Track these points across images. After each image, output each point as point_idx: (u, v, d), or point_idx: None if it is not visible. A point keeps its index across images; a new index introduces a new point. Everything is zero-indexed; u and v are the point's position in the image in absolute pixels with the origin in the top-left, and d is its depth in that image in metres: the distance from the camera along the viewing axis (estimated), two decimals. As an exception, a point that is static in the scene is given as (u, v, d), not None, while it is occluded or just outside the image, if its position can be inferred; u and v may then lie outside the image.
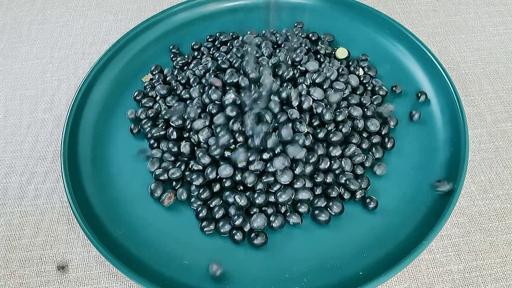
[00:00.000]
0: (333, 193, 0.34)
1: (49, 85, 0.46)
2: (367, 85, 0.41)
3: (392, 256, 0.31)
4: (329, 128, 0.36)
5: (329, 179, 0.35)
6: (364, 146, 0.37)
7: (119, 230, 0.33)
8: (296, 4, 0.48)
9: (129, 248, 0.32)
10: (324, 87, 0.38)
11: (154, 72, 0.43)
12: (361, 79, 0.41)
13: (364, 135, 0.37)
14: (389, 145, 0.37)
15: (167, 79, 0.42)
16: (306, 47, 0.43)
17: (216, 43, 0.45)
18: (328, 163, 0.35)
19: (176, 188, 0.35)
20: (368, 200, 0.34)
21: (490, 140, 0.40)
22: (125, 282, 0.33)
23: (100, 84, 0.41)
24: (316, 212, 0.33)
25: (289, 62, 0.39)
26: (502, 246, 0.33)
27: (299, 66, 0.39)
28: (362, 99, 0.39)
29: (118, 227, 0.33)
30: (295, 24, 0.46)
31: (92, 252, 0.34)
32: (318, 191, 0.35)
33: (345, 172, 0.35)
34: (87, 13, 0.54)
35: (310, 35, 0.45)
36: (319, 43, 0.44)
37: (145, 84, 0.42)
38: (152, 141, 0.38)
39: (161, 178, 0.35)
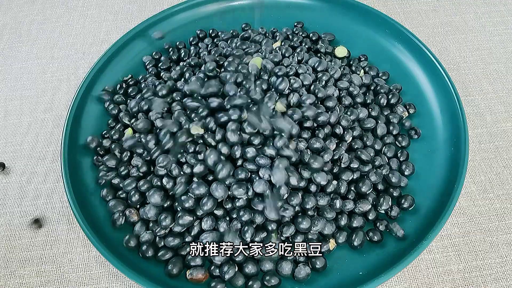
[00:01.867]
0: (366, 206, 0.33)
1: (49, 85, 0.46)
2: (370, 85, 0.41)
3: (392, 256, 0.31)
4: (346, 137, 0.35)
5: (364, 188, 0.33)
6: (377, 147, 0.36)
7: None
8: (296, 4, 0.48)
9: (129, 248, 0.32)
10: (328, 85, 0.38)
11: (148, 66, 0.43)
12: (363, 79, 0.41)
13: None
14: (404, 143, 0.37)
15: (161, 74, 0.42)
16: (306, 46, 0.43)
17: (215, 40, 0.45)
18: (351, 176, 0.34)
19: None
20: (402, 200, 0.34)
21: (490, 140, 0.40)
22: (125, 282, 0.33)
23: (100, 84, 0.41)
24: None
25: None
26: (502, 246, 0.33)
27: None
28: (366, 98, 0.39)
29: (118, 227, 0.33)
30: (295, 24, 0.46)
31: (92, 252, 0.34)
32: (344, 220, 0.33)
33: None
34: (87, 13, 0.54)
35: (311, 35, 0.45)
36: (319, 42, 0.44)
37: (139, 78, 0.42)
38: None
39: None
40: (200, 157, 0.32)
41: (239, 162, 0.32)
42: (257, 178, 0.31)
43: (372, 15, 0.45)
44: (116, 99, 0.40)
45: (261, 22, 0.46)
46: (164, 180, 0.33)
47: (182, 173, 0.32)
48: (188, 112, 0.35)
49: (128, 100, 0.40)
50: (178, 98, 0.37)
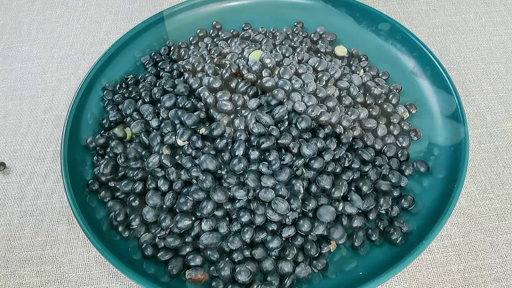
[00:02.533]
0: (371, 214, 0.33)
1: (49, 85, 0.46)
2: (371, 84, 0.41)
3: (392, 256, 0.31)
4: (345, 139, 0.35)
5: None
6: (378, 146, 0.37)
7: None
8: (296, 4, 0.48)
9: (129, 248, 0.32)
10: (329, 85, 0.38)
11: (147, 66, 0.43)
12: (363, 78, 0.41)
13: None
14: (404, 143, 0.37)
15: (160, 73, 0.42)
16: (307, 46, 0.43)
17: (215, 40, 0.46)
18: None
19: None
20: (402, 200, 0.34)
21: (490, 140, 0.40)
22: (125, 282, 0.33)
23: (100, 84, 0.41)
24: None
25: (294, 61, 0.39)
26: (502, 246, 0.33)
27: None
28: (366, 99, 0.39)
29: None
30: (295, 24, 0.47)
31: (92, 252, 0.34)
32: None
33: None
34: (87, 13, 0.54)
35: (312, 35, 0.45)
36: (320, 42, 0.44)
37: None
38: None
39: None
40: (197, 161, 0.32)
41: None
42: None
43: (372, 15, 0.45)
44: (115, 99, 0.40)
45: (261, 24, 0.47)
46: (160, 182, 0.33)
47: (179, 178, 0.32)
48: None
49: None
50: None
